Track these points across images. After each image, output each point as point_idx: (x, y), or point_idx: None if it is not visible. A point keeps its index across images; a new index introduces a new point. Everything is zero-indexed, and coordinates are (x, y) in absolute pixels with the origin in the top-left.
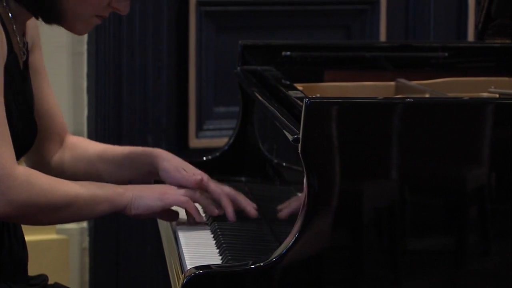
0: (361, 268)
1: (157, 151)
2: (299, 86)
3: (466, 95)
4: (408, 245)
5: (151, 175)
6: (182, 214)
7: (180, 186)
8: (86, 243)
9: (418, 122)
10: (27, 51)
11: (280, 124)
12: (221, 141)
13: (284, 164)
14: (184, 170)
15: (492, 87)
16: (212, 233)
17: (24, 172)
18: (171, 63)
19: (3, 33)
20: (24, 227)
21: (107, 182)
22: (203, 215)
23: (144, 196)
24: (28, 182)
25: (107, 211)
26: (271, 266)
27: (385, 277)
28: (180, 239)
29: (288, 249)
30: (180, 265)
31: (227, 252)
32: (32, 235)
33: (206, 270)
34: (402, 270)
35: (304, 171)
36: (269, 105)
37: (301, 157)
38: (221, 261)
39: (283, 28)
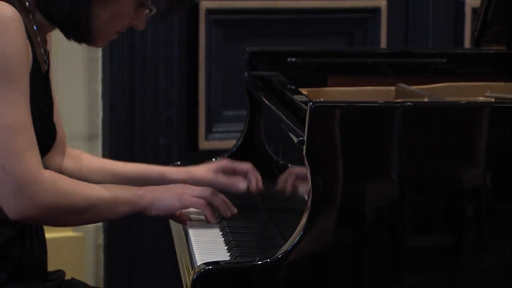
0: (363, 265)
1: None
2: (303, 90)
3: (463, 99)
4: (408, 243)
5: None
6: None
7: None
8: (101, 240)
9: (417, 125)
10: (48, 61)
11: (285, 127)
12: (230, 143)
13: (289, 165)
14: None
15: (488, 91)
16: (221, 231)
17: (50, 176)
18: (182, 69)
19: (29, 45)
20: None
21: None
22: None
23: (163, 198)
24: (54, 186)
25: (128, 213)
26: (277, 262)
27: (387, 274)
28: (191, 236)
29: (293, 246)
30: (191, 261)
31: (235, 249)
32: (50, 233)
33: (215, 266)
34: (403, 267)
35: (308, 171)
36: (275, 109)
37: (305, 159)
38: (229, 257)
39: (288, 35)
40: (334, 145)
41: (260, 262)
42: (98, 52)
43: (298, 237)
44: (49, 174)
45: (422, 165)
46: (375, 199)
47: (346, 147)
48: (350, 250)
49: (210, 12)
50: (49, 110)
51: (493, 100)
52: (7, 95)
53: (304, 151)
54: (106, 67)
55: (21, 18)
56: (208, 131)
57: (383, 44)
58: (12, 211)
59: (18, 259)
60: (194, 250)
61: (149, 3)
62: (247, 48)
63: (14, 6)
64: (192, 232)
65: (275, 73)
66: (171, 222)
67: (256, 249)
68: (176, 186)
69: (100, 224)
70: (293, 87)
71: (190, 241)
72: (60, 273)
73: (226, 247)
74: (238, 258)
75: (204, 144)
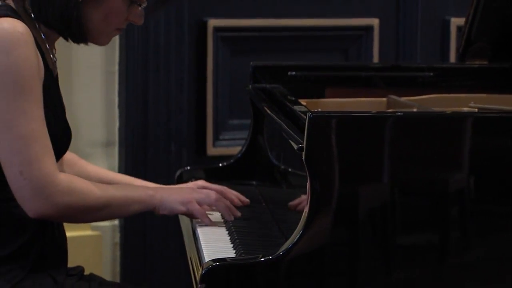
0: (357, 261)
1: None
2: (303, 101)
3: (449, 109)
4: (398, 241)
5: None
6: None
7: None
8: (117, 239)
9: (407, 133)
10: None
11: (286, 135)
12: (235, 150)
13: (290, 170)
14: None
15: (472, 102)
16: (227, 230)
17: (65, 178)
18: (191, 82)
19: (39, 55)
20: (64, 224)
21: None
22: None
23: (170, 200)
24: (69, 187)
25: (139, 211)
26: (278, 259)
27: (379, 269)
28: (199, 235)
29: (294, 244)
30: (199, 258)
31: (240, 247)
32: (70, 232)
33: (222, 263)
34: (394, 263)
35: (308, 176)
36: (276, 118)
37: (305, 164)
38: (235, 254)
39: (289, 51)
40: (330, 152)
41: (263, 259)
42: (115, 66)
43: (298, 236)
44: (64, 176)
45: (411, 170)
46: (368, 201)
47: (342, 153)
48: (345, 248)
49: (217, 29)
50: (63, 113)
51: (476, 110)
52: (21, 106)
53: (303, 157)
54: (122, 79)
55: (30, 32)
56: (216, 138)
57: (376, 59)
58: (31, 210)
59: (40, 254)
60: (203, 248)
61: None
62: (251, 63)
63: (22, 19)
64: (200, 231)
65: (276, 86)
66: (182, 222)
67: (259, 247)
68: (185, 189)
69: (117, 223)
70: (293, 98)
71: (199, 239)
72: (80, 269)
73: (232, 245)
74: (243, 255)
75: (211, 150)
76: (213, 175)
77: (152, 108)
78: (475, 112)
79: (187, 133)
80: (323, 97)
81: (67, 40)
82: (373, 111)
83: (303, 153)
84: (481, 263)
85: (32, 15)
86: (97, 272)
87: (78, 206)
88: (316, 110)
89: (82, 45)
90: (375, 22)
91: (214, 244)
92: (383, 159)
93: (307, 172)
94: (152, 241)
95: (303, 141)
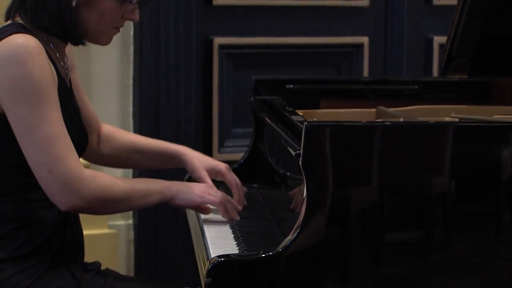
0: (349, 257)
1: (185, 151)
2: (300, 112)
3: (432, 119)
4: (386, 238)
5: (176, 167)
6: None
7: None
8: (131, 236)
9: (394, 141)
10: (69, 72)
11: (285, 142)
12: (239, 155)
13: (288, 174)
14: (209, 166)
15: (453, 113)
16: (231, 229)
17: (90, 173)
18: (199, 94)
19: (51, 64)
20: (82, 223)
21: (139, 169)
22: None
23: (187, 191)
24: (94, 181)
25: (158, 201)
26: (278, 255)
27: (368, 264)
28: (206, 233)
29: (292, 242)
30: (206, 254)
31: (243, 244)
32: (89, 230)
33: (227, 258)
34: (382, 258)
35: (304, 179)
36: (276, 127)
37: (301, 169)
38: (238, 251)
39: (287, 66)
40: (325, 157)
41: (264, 255)
42: (130, 80)
43: (295, 234)
44: (89, 172)
45: (398, 174)
46: (359, 202)
47: (335, 159)
48: (338, 244)
49: (222, 47)
50: (78, 116)
51: (457, 120)
52: (42, 111)
53: (300, 162)
54: (136, 92)
55: (41, 45)
56: (221, 145)
57: (366, 73)
58: (62, 204)
59: (59, 250)
60: (209, 245)
61: None
62: (253, 77)
63: (32, 32)
64: (207, 229)
65: (276, 98)
66: (190, 221)
67: (260, 244)
68: (200, 184)
69: (131, 222)
70: (291, 109)
71: (206, 237)
72: (97, 264)
73: (235, 242)
74: (245, 252)
75: (217, 156)
76: None
77: (163, 118)
78: (456, 122)
79: (194, 140)
80: (318, 108)
81: (66, 43)
82: (364, 121)
83: (300, 159)
84: (461, 258)
85: (33, 24)
86: (113, 267)
87: (103, 197)
88: (312, 120)
89: (99, 61)
90: (365, 40)
91: (219, 241)
92: (372, 164)
93: (303, 176)
94: (163, 239)
95: (300, 148)
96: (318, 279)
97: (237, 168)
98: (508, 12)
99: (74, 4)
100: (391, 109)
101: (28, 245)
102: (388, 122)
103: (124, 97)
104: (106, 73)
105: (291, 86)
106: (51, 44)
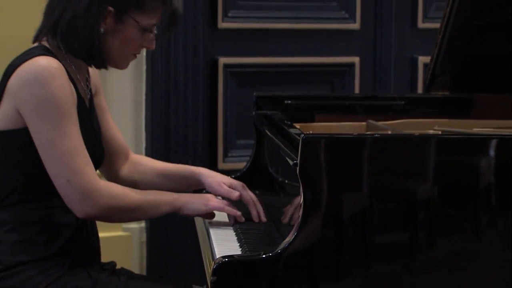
0: (342, 257)
1: (202, 171)
2: (297, 125)
3: (417, 132)
4: (376, 240)
5: (196, 188)
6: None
7: (222, 197)
8: (144, 238)
9: (383, 151)
10: (90, 93)
11: (283, 153)
12: (241, 165)
13: (286, 181)
14: (225, 184)
15: (436, 126)
16: (234, 232)
17: (105, 185)
18: (205, 109)
19: (71, 85)
20: (99, 226)
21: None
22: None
23: (193, 202)
24: (109, 192)
25: (167, 212)
26: (277, 255)
27: (360, 263)
28: (211, 235)
29: (290, 243)
30: (212, 254)
31: (245, 245)
32: (105, 233)
33: (230, 258)
34: (372, 258)
35: (301, 187)
36: (275, 139)
37: (298, 177)
38: (240, 252)
39: (286, 83)
40: (320, 166)
41: (264, 255)
42: (142, 96)
43: (293, 236)
44: (104, 183)
45: (387, 181)
46: (351, 207)
47: (329, 167)
48: (332, 245)
49: (226, 66)
50: (96, 134)
51: (440, 132)
52: (62, 127)
53: (298, 171)
54: (148, 107)
55: (63, 66)
56: (225, 155)
57: (357, 90)
58: (79, 212)
59: (77, 253)
60: (214, 246)
61: (153, 27)
62: (254, 93)
63: (56, 55)
64: (212, 232)
65: (275, 112)
66: (197, 224)
67: (261, 245)
68: (205, 195)
69: (144, 226)
70: (289, 122)
71: (211, 239)
72: (112, 264)
73: (238, 244)
74: (248, 253)
75: (222, 165)
76: None
77: (173, 130)
78: (439, 134)
79: (201, 151)
80: (314, 121)
81: (90, 66)
82: (355, 133)
83: (297, 168)
84: (444, 258)
85: (63, 51)
86: (127, 267)
87: (117, 207)
88: (308, 132)
89: (114, 79)
90: (356, 60)
91: (224, 243)
92: (363, 173)
93: (300, 184)
94: (173, 241)
95: (297, 158)
96: (314, 277)
97: (240, 176)
98: (486, 34)
99: (102, 31)
100: (380, 123)
101: (48, 248)
102: (377, 134)
103: (137, 112)
104: (120, 90)
105: (289, 101)
106: (73, 66)
